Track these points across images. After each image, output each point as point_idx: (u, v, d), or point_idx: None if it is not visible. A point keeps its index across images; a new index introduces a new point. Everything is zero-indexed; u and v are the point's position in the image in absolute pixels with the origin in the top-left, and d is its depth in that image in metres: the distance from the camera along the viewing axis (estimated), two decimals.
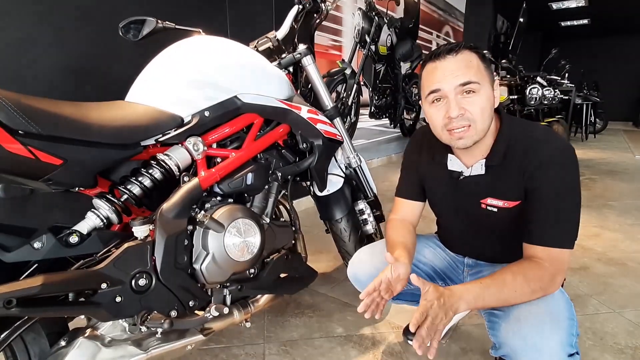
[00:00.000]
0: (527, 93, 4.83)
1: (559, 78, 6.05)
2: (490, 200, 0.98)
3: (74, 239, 0.83)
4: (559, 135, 0.98)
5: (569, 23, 10.46)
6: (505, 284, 0.85)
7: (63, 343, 0.83)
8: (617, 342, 1.37)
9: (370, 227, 1.60)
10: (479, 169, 0.97)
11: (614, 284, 1.80)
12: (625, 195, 3.44)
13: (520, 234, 0.93)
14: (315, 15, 1.43)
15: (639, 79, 11.36)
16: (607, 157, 5.57)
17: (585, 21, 10.21)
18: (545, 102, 4.90)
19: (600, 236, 2.43)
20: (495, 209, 0.98)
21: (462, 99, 0.88)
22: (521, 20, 6.17)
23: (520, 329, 0.85)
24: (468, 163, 1.00)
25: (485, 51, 0.94)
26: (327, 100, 1.42)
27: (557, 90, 5.09)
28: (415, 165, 1.15)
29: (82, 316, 0.90)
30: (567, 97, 5.94)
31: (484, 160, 0.96)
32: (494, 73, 0.94)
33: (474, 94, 0.87)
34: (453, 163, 1.02)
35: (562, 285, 0.92)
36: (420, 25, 5.16)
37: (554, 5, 8.76)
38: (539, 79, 4.98)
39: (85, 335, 0.84)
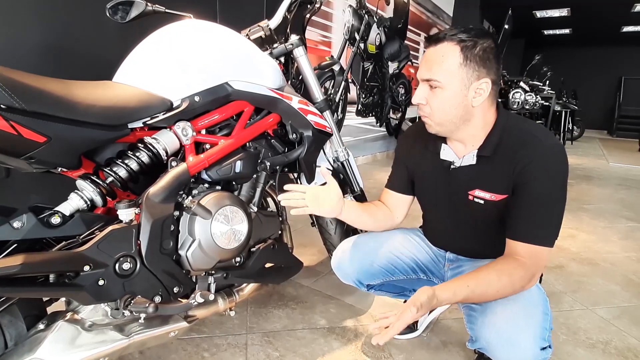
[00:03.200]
0: (511, 97, 4.95)
1: (541, 84, 6.21)
2: (478, 192, 1.00)
3: (55, 220, 0.80)
4: (552, 134, 1.01)
5: (551, 32, 10.76)
6: (490, 285, 0.87)
7: (41, 326, 0.81)
8: (589, 337, 1.43)
9: None
10: (470, 159, 0.99)
11: (587, 283, 1.87)
12: (599, 200, 3.57)
13: (503, 231, 0.95)
14: (308, 6, 1.43)
15: (615, 90, 11.78)
16: (583, 163, 5.75)
17: (567, 31, 10.52)
18: (527, 107, 5.03)
19: (575, 237, 2.52)
20: (482, 201, 1.00)
21: (428, 90, 0.93)
22: (506, 26, 6.30)
23: (495, 322, 0.87)
24: (460, 153, 1.02)
25: (486, 43, 0.88)
26: (318, 93, 1.42)
27: (538, 96, 5.23)
28: (407, 157, 1.17)
29: (63, 299, 0.87)
30: (547, 103, 6.11)
31: (476, 150, 0.98)
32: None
33: (436, 89, 0.92)
34: (446, 152, 1.04)
35: (539, 282, 0.95)
36: (409, 26, 5.21)
37: (538, 14, 8.99)
38: (522, 83, 5.11)
39: (65, 318, 0.82)
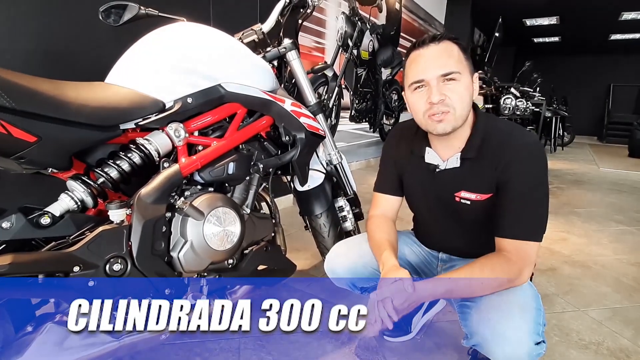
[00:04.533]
0: (502, 103, 5.02)
1: (531, 90, 6.30)
2: (463, 193, 1.01)
3: (45, 220, 0.80)
4: (529, 131, 1.03)
5: (541, 40, 10.94)
6: (473, 276, 0.89)
7: (30, 329, 0.79)
8: (582, 338, 1.43)
9: (349, 224, 1.61)
10: (454, 162, 1.00)
11: (579, 285, 1.89)
12: (590, 204, 3.61)
13: (492, 228, 0.96)
14: (302, 10, 1.44)
15: (605, 97, 11.97)
16: (574, 168, 5.82)
17: (556, 39, 10.70)
18: (518, 112, 5.09)
19: (567, 241, 2.54)
20: (468, 202, 1.01)
21: (443, 85, 0.91)
22: (497, 34, 6.41)
23: (489, 318, 0.88)
24: (444, 156, 1.03)
25: None
26: (311, 96, 1.43)
27: (529, 102, 5.31)
28: (394, 159, 1.17)
29: (52, 300, 0.86)
30: (538, 110, 6.19)
31: (460, 153, 0.99)
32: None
33: (454, 82, 0.91)
34: (430, 156, 1.05)
35: (530, 280, 0.96)
36: (401, 33, 5.27)
37: (528, 22, 9.14)
38: (512, 89, 5.18)
39: (54, 320, 0.81)
